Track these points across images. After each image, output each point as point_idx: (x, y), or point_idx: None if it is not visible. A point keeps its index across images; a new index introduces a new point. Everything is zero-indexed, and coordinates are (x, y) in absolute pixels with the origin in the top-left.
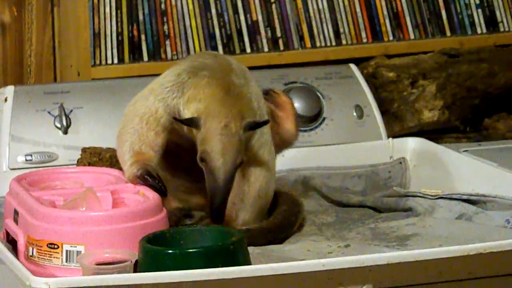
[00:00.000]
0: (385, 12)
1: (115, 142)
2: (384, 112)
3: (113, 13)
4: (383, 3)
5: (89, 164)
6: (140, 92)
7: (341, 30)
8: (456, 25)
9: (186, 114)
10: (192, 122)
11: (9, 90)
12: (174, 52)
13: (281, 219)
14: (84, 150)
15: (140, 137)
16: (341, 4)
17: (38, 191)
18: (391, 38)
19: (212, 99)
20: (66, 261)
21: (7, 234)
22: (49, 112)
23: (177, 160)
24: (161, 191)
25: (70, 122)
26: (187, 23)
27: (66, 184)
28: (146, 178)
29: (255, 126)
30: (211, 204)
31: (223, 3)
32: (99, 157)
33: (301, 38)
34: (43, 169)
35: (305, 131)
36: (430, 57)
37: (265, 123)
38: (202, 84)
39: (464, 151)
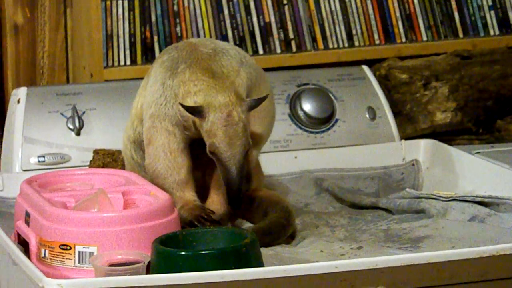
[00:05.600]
0: (398, 14)
1: (148, 171)
2: (396, 114)
3: (126, 14)
4: (396, 5)
5: (103, 165)
6: (145, 126)
7: (354, 31)
8: (469, 27)
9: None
10: (196, 111)
11: (22, 91)
12: None
13: (270, 224)
14: (96, 151)
15: (172, 173)
16: (353, 5)
17: (49, 193)
18: (403, 39)
19: (206, 88)
20: (79, 262)
21: (19, 236)
22: (61, 114)
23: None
24: (215, 222)
25: (83, 124)
26: (200, 24)
27: (77, 185)
28: (194, 223)
29: (255, 104)
30: (228, 193)
31: (236, 4)
32: (112, 158)
33: (314, 39)
34: (53, 171)
35: (317, 132)
36: (443, 59)
37: (264, 98)
38: (187, 77)
39: (476, 153)
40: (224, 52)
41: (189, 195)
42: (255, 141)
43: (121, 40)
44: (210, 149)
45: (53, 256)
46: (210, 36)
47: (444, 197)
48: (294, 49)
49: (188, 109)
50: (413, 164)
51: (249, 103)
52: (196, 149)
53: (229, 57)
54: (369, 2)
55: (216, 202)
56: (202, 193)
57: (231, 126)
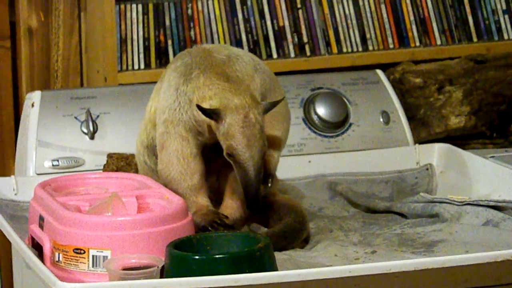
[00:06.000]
0: (412, 18)
1: (161, 177)
2: (410, 118)
3: (140, 18)
4: (410, 9)
5: (117, 169)
6: (158, 131)
7: (368, 35)
8: (483, 31)
9: (201, 115)
10: (213, 113)
11: (36, 95)
12: None
13: (284, 228)
14: (110, 155)
15: (185, 178)
16: (367, 9)
17: (63, 197)
18: (417, 44)
19: (221, 92)
20: (93, 266)
21: (33, 239)
22: (75, 117)
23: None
24: (229, 227)
25: (97, 127)
26: (214, 28)
27: (91, 189)
28: (208, 228)
29: (271, 106)
30: (246, 195)
31: (250, 9)
32: (126, 162)
33: (328, 43)
34: (67, 175)
35: (331, 137)
36: (457, 63)
37: (280, 101)
38: (201, 83)
39: (490, 157)
40: (238, 58)
41: (203, 200)
42: (276, 144)
43: (135, 44)
44: (228, 151)
45: (67, 260)
46: (224, 40)
47: (458, 202)
48: (308, 53)
49: (205, 111)
50: (427, 169)
51: (265, 105)
52: (210, 154)
53: (243, 63)
54: (383, 6)
55: (230, 207)
56: (216, 198)
57: (249, 128)
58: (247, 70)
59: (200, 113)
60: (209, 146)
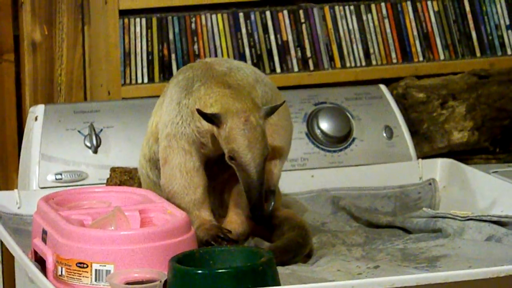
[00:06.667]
0: (415, 33)
1: (164, 191)
2: (413, 133)
3: (144, 32)
4: (413, 24)
5: (120, 183)
6: (161, 146)
7: (371, 50)
8: (486, 46)
9: (204, 124)
10: (214, 118)
11: (40, 109)
12: None
13: (287, 242)
14: (113, 169)
15: (188, 192)
16: (371, 24)
17: (66, 211)
18: (421, 58)
19: (222, 98)
20: (96, 281)
21: (35, 253)
22: (79, 131)
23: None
24: (232, 241)
25: (100, 141)
26: (217, 43)
27: (94, 203)
28: (211, 243)
29: (272, 111)
30: (249, 200)
31: (253, 23)
32: (129, 176)
33: (331, 58)
34: (70, 188)
35: (334, 151)
36: (460, 78)
37: (281, 105)
38: (202, 93)
39: (493, 172)
40: (239, 70)
41: (205, 214)
42: (278, 154)
43: (138, 58)
44: (230, 154)
45: (70, 274)
46: (228, 54)
47: (461, 217)
48: (311, 67)
49: (206, 116)
50: (430, 183)
51: (266, 110)
52: (214, 168)
53: (245, 74)
54: (386, 21)
55: (234, 221)
56: (220, 212)
57: (250, 130)
58: (248, 80)
59: (202, 121)
60: (213, 159)
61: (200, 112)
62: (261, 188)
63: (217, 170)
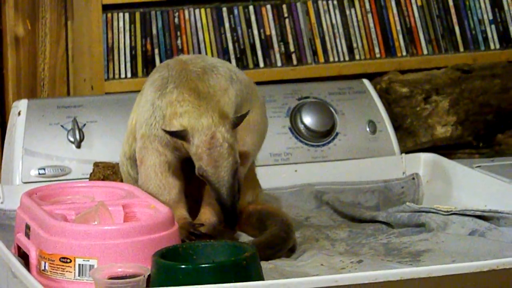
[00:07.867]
0: (399, 28)
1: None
2: (397, 128)
3: (127, 27)
4: (397, 19)
5: (104, 178)
6: (137, 146)
7: (355, 45)
8: (469, 41)
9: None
10: (179, 135)
11: (23, 103)
12: None
13: (270, 237)
14: (96, 164)
15: (163, 193)
16: (354, 19)
17: (49, 205)
18: (404, 53)
19: (191, 110)
20: (79, 275)
21: (19, 248)
22: (62, 126)
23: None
24: (207, 237)
25: (83, 136)
26: (201, 37)
27: (77, 198)
28: (186, 239)
29: (239, 121)
30: (222, 210)
31: (237, 18)
32: (113, 170)
33: (315, 53)
34: (54, 183)
35: (318, 146)
36: (443, 73)
37: (246, 115)
38: (174, 98)
39: (477, 166)
40: (213, 70)
41: (180, 213)
42: (241, 158)
43: (122, 52)
44: (199, 172)
45: (53, 269)
46: (211, 49)
47: (444, 211)
48: (294, 62)
49: (171, 133)
50: (414, 178)
51: (233, 120)
52: (189, 166)
53: (219, 75)
54: (369, 16)
55: (207, 212)
56: (198, 208)
57: (215, 148)
58: (220, 83)
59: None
60: (189, 157)
61: (166, 131)
62: (232, 201)
63: (193, 167)
